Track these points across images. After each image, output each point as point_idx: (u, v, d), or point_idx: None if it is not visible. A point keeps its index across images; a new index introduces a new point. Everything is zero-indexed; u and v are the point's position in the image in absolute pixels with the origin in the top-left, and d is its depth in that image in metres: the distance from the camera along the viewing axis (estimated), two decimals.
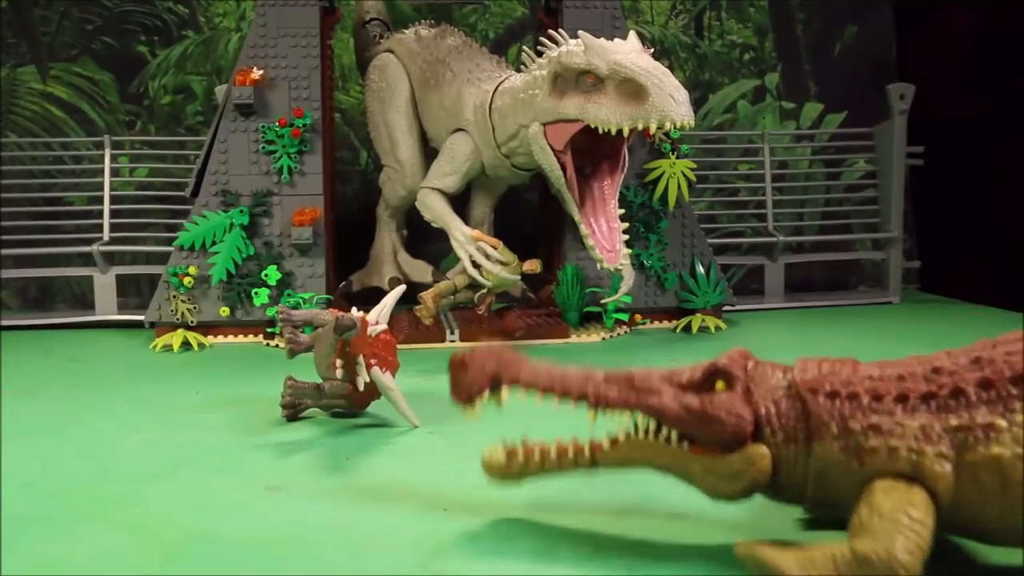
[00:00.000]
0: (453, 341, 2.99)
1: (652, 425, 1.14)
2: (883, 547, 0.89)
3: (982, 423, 0.94)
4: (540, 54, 2.67)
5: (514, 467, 1.17)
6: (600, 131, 2.44)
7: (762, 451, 1.05)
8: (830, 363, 1.11)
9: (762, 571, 0.96)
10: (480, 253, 2.82)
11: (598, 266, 2.66)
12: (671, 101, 2.32)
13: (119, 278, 3.46)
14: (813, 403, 1.05)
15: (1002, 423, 0.93)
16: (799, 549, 0.96)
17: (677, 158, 3.19)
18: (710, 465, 1.09)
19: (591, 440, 1.18)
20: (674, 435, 1.11)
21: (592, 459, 1.16)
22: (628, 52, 2.45)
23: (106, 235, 3.49)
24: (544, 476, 1.19)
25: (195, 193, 3.14)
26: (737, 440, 1.06)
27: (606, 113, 2.41)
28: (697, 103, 4.02)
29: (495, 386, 1.14)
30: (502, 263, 2.83)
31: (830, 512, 1.09)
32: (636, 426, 1.15)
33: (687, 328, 3.14)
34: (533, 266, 2.92)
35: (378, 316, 1.90)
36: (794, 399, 1.07)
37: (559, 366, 1.17)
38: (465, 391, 1.15)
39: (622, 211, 2.68)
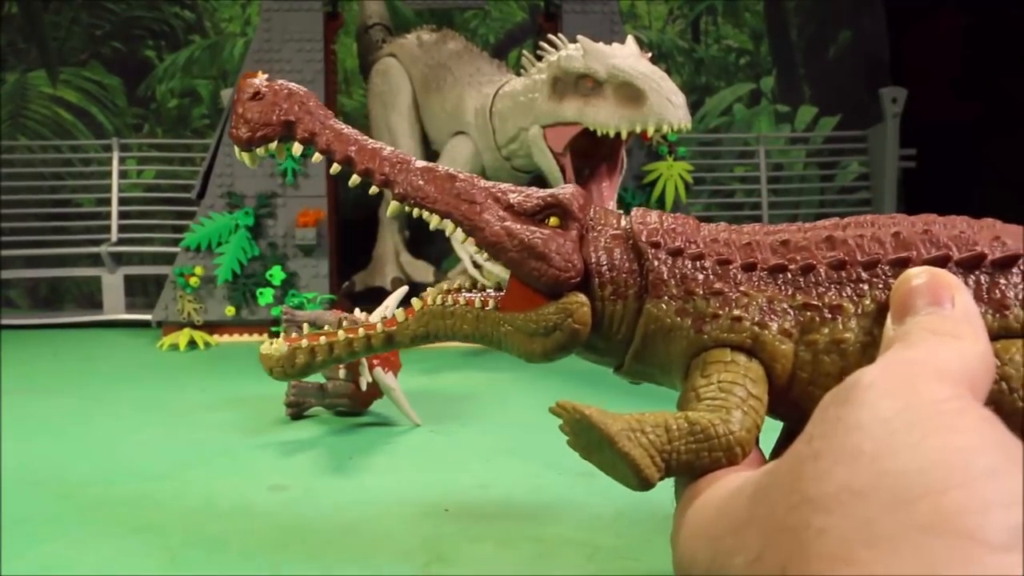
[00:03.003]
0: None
1: (447, 288, 1.02)
2: (722, 420, 0.81)
3: (830, 304, 0.86)
4: (540, 58, 2.69)
5: (299, 361, 1.03)
6: (599, 134, 2.45)
7: (580, 299, 0.93)
8: (672, 217, 0.99)
9: (579, 429, 0.84)
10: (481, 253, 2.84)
11: None
12: (668, 104, 2.33)
13: (127, 278, 3.49)
14: (654, 258, 0.93)
15: (849, 306, 0.85)
16: (627, 414, 0.84)
17: (674, 160, 3.22)
18: (520, 324, 0.95)
19: (383, 318, 1.04)
20: (477, 298, 0.99)
21: (388, 337, 1.02)
22: (626, 56, 2.46)
23: (114, 236, 3.53)
24: (335, 363, 1.05)
25: (201, 195, 3.17)
26: (558, 288, 0.94)
27: (604, 116, 2.42)
28: (694, 106, 4.05)
29: (286, 135, 0.96)
30: None
31: (645, 380, 0.99)
32: (431, 296, 1.02)
33: None
34: None
35: (380, 317, 1.91)
36: (631, 251, 0.96)
37: (373, 141, 0.98)
38: (250, 128, 0.95)
39: (620, 212, 2.69)
